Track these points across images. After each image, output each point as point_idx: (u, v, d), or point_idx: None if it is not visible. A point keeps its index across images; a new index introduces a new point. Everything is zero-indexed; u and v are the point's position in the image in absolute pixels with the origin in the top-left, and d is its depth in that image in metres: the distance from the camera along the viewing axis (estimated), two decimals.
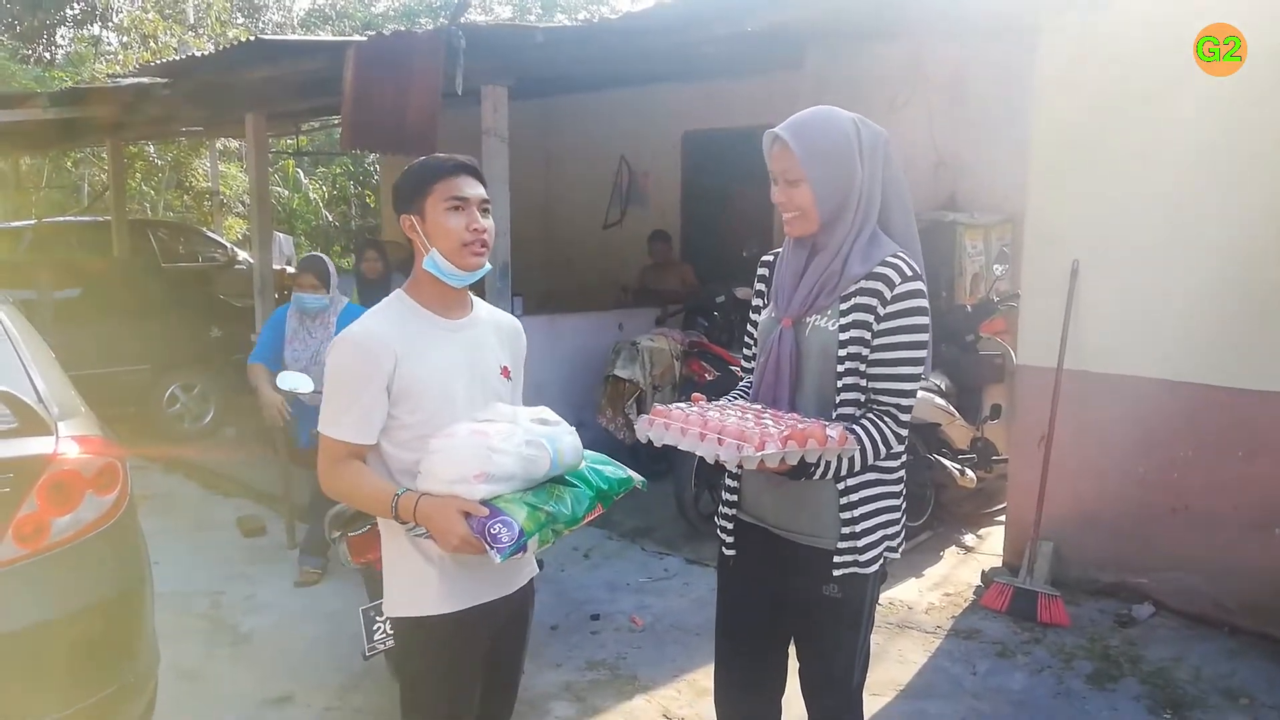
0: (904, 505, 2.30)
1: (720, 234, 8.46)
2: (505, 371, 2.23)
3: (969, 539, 5.39)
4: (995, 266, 6.08)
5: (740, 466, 1.96)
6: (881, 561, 2.24)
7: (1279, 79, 3.87)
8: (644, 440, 2.11)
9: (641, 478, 2.23)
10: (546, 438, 2.02)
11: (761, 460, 1.91)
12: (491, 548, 1.88)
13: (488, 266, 2.14)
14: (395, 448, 2.09)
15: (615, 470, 2.17)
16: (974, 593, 4.59)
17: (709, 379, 5.47)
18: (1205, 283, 4.12)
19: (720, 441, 1.94)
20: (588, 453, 2.17)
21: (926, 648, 4.07)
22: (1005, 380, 5.69)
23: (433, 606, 2.11)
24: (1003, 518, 5.45)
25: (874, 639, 3.95)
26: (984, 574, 4.68)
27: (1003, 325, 5.86)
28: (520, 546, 1.90)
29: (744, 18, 4.92)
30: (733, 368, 5.47)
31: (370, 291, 6.21)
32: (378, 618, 3.04)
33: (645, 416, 2.12)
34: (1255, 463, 4.05)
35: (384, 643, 3.05)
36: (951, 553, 5.21)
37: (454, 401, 2.09)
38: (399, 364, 2.03)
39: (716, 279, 7.48)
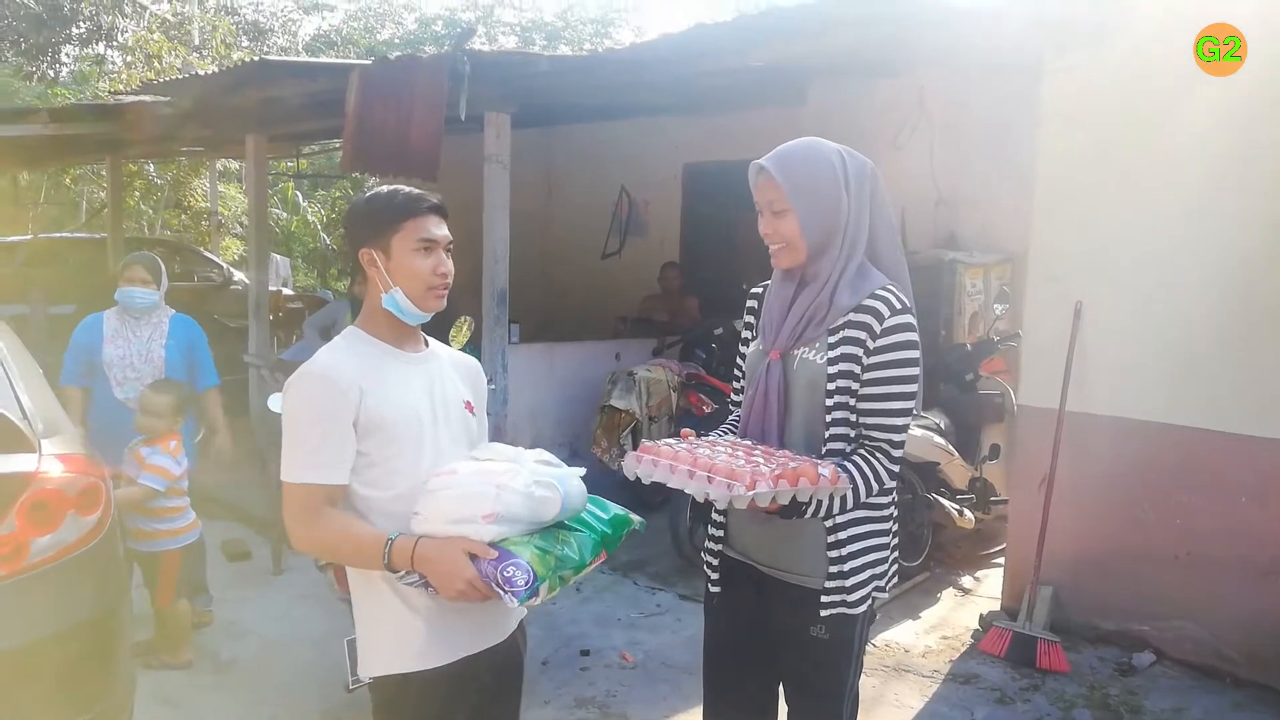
0: (894, 543, 2.25)
1: (720, 266, 8.44)
2: (469, 406, 2.13)
3: (966, 581, 5.31)
4: (995, 306, 6.06)
5: (718, 504, 1.90)
6: (870, 602, 2.18)
7: None
8: (631, 477, 2.05)
9: (640, 519, 2.14)
10: (557, 479, 1.92)
11: (752, 499, 1.86)
12: (506, 592, 1.76)
13: (444, 305, 2.06)
14: (365, 486, 1.94)
15: (613, 512, 2.07)
16: (972, 636, 4.51)
17: (707, 411, 5.41)
18: (1211, 326, 4.09)
19: (710, 480, 1.89)
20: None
21: (923, 692, 3.98)
22: (1005, 420, 5.65)
23: (418, 661, 1.95)
24: (1000, 559, 5.38)
25: (870, 682, 3.90)
26: (982, 617, 4.60)
27: (1002, 364, 5.83)
28: (534, 591, 1.78)
29: (750, 51, 4.92)
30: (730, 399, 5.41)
31: None
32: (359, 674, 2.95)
33: (634, 453, 2.06)
34: (1260, 509, 4.00)
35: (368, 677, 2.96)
36: (949, 594, 5.13)
37: (423, 433, 1.99)
38: (364, 396, 1.91)
39: (716, 311, 7.45)
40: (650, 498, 5.02)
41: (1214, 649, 4.12)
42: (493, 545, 1.82)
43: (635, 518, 2.11)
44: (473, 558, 1.79)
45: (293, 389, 1.93)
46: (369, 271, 2.02)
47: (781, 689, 2.35)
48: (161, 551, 3.96)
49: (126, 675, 2.83)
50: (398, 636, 1.97)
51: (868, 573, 2.16)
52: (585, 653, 4.23)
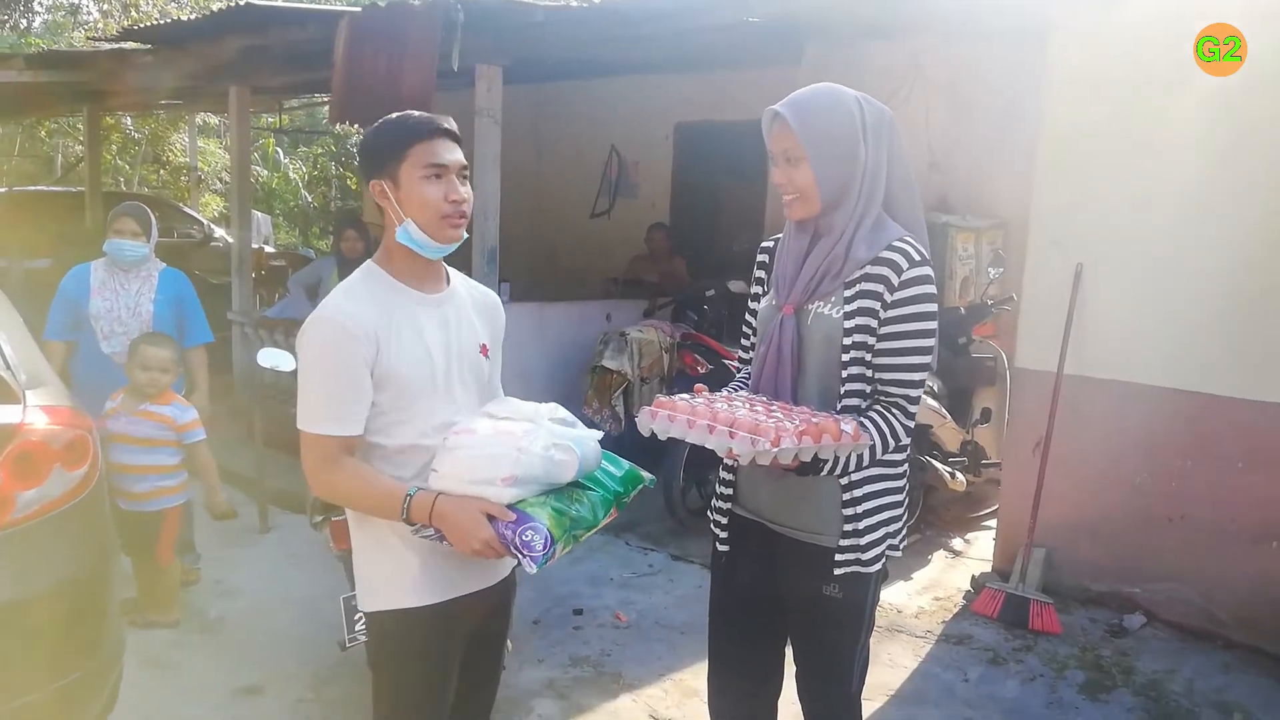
0: (906, 501, 2.21)
1: (711, 227, 8.37)
2: (484, 349, 2.08)
3: (957, 543, 5.32)
4: (990, 269, 6.02)
5: (741, 459, 1.85)
6: (884, 560, 2.15)
7: None
8: (646, 433, 1.99)
9: (650, 475, 2.12)
10: (574, 441, 1.90)
11: (775, 456, 1.81)
12: (525, 556, 1.76)
13: (465, 236, 1.97)
14: (372, 434, 1.92)
15: (624, 469, 2.05)
16: (964, 598, 4.52)
17: (702, 371, 5.35)
18: (1211, 290, 4.07)
19: (732, 435, 1.83)
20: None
21: (917, 652, 3.99)
22: (996, 384, 5.64)
23: (413, 598, 1.97)
24: (990, 522, 5.40)
25: None
26: (974, 579, 4.61)
27: (993, 329, 5.80)
28: (551, 554, 1.77)
29: (749, 5, 4.82)
30: (725, 361, 5.37)
31: (351, 271, 6.03)
32: (359, 607, 2.91)
33: (647, 408, 2.00)
34: (1255, 475, 4.00)
35: (364, 634, 2.92)
36: (940, 556, 5.14)
37: (435, 382, 1.95)
38: (380, 350, 1.87)
39: (707, 272, 7.37)
40: (639, 459, 4.99)
41: (1205, 611, 4.15)
42: (510, 506, 1.80)
43: (646, 474, 2.09)
44: (490, 518, 1.78)
45: (309, 334, 1.89)
46: (381, 204, 1.95)
47: (790, 648, 2.32)
48: (168, 509, 3.88)
49: (115, 634, 2.77)
50: (393, 573, 1.97)
51: (881, 530, 2.12)
52: (578, 612, 4.21)
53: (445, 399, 1.96)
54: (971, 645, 4.06)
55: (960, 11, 5.14)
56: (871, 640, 2.29)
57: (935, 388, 5.40)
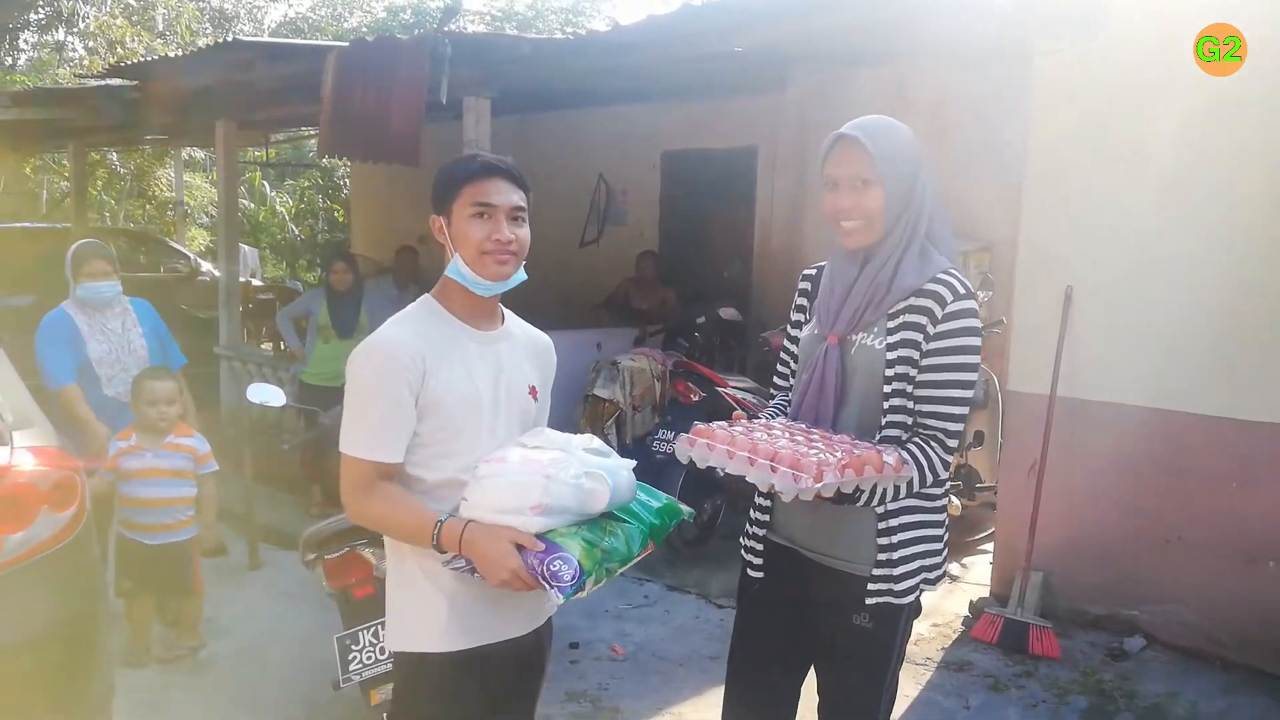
0: (946, 536, 2.18)
1: (700, 254, 8.37)
2: (533, 391, 2.09)
3: (954, 568, 5.29)
4: (979, 292, 6.04)
5: (784, 496, 1.83)
6: (918, 594, 2.13)
7: (1274, 103, 3.85)
8: (685, 461, 1.98)
9: (689, 509, 2.09)
10: (606, 470, 1.87)
11: (818, 490, 1.79)
12: (552, 586, 1.73)
13: (521, 276, 1.99)
14: (414, 468, 1.93)
15: (662, 501, 2.02)
16: (962, 623, 4.49)
17: (695, 399, 5.33)
18: (1201, 311, 4.09)
19: (773, 469, 1.81)
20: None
21: (918, 680, 3.95)
22: (988, 407, 5.64)
23: (438, 643, 1.94)
24: (985, 546, 5.38)
25: None
26: (972, 604, 4.58)
27: (983, 352, 5.80)
28: (580, 585, 1.74)
29: (734, 34, 4.85)
30: (718, 388, 5.35)
31: (340, 304, 6.01)
32: (354, 646, 2.87)
33: (685, 435, 1.98)
34: (1250, 495, 4.00)
35: (359, 674, 2.87)
36: None
37: (481, 418, 1.95)
38: (427, 378, 1.88)
39: (695, 300, 7.37)
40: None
41: (1204, 633, 4.13)
42: (540, 537, 1.79)
43: (685, 508, 2.07)
44: (519, 548, 1.77)
45: (358, 360, 1.91)
46: (439, 240, 1.99)
47: (816, 678, 2.28)
48: (190, 539, 3.93)
49: (105, 678, 2.72)
50: (421, 614, 1.96)
51: (917, 563, 2.10)
52: (574, 645, 4.16)
53: (489, 436, 1.96)
54: (972, 672, 4.03)
55: (944, 37, 5.19)
56: None
57: None
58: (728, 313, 6.37)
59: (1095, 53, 4.29)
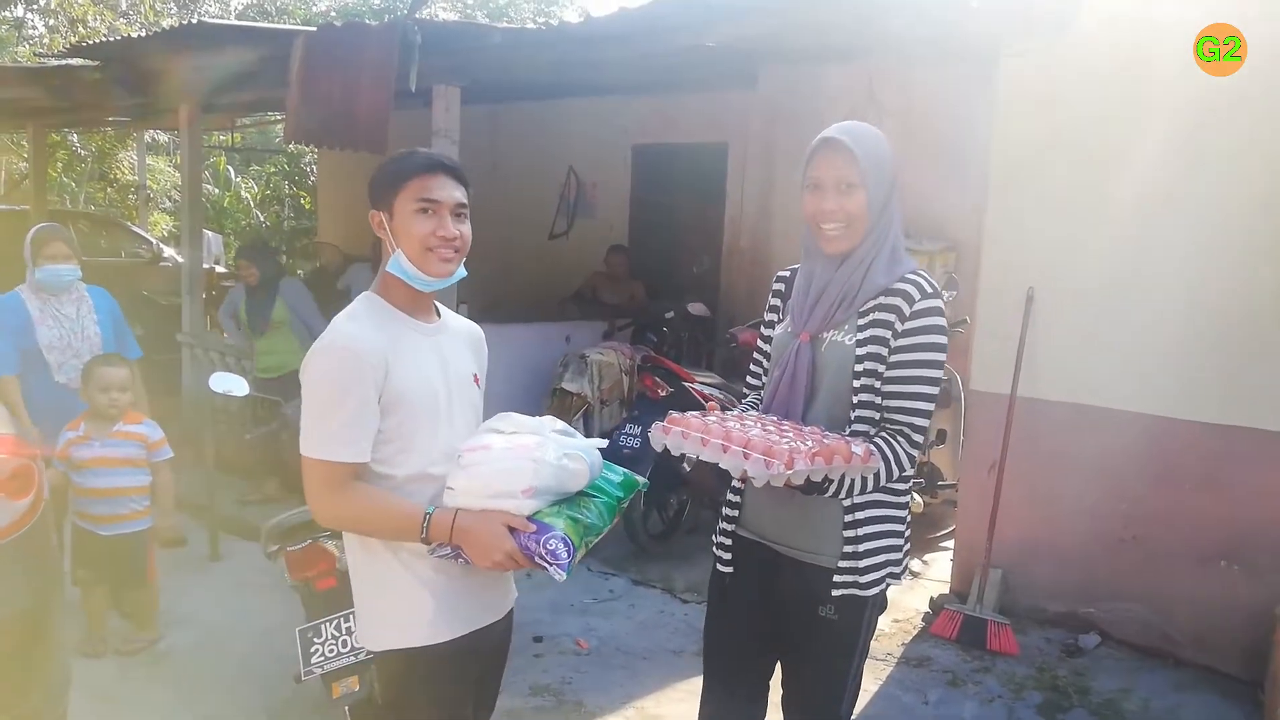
0: (908, 533, 2.22)
1: (670, 249, 8.38)
2: (476, 379, 2.11)
3: (915, 564, 5.36)
4: (945, 292, 6.10)
5: (755, 482, 1.86)
6: (884, 586, 2.17)
7: (1243, 106, 3.92)
8: (659, 448, 2.01)
9: (644, 479, 2.14)
10: (583, 450, 1.93)
11: (789, 478, 1.82)
12: (552, 564, 1.78)
13: (462, 273, 1.98)
14: (380, 465, 1.90)
15: (621, 475, 2.08)
16: (922, 619, 4.55)
17: (662, 394, 5.34)
18: (1160, 313, 4.15)
19: (746, 456, 1.85)
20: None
21: (877, 675, 3.99)
22: (951, 406, 5.70)
23: (427, 636, 1.93)
24: (947, 544, 5.44)
25: None
26: (932, 600, 4.64)
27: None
28: (573, 561, 1.81)
29: (706, 29, 4.85)
30: (685, 383, 5.37)
31: (256, 299, 5.90)
32: (315, 639, 2.85)
33: (660, 424, 2.01)
34: (1204, 495, 4.08)
35: (321, 667, 2.85)
36: None
37: (438, 410, 1.96)
38: (389, 372, 1.87)
39: (665, 294, 7.38)
40: None
41: (1159, 630, 4.22)
42: (530, 518, 1.83)
43: (640, 478, 2.12)
44: (511, 530, 1.80)
45: (316, 359, 1.87)
46: (379, 234, 1.97)
47: (781, 669, 2.32)
48: (145, 530, 3.89)
49: (61, 666, 2.68)
50: (406, 610, 1.94)
51: (882, 556, 2.14)
52: (538, 639, 4.16)
53: (448, 427, 1.97)
54: (931, 667, 4.08)
55: (913, 36, 5.23)
56: None
57: None
58: (696, 308, 6.39)
59: (1062, 52, 4.33)
